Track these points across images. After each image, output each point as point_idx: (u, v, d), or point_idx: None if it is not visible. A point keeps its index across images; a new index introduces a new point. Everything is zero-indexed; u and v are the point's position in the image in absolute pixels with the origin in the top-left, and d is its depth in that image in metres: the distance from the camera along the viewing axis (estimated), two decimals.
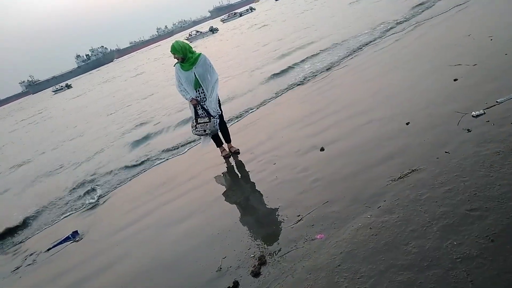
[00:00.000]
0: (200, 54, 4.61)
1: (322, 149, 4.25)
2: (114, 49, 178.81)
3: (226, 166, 4.98)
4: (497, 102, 3.68)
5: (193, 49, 4.67)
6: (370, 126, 4.36)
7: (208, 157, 5.45)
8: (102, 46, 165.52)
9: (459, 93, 4.28)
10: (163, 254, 3.47)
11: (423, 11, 10.16)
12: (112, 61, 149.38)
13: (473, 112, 3.64)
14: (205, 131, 4.75)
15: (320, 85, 7.08)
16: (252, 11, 65.90)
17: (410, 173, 3.12)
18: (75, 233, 4.68)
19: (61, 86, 74.15)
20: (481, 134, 3.27)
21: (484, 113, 3.58)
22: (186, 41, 5.06)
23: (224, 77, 11.69)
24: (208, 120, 4.71)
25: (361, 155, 3.79)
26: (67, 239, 4.64)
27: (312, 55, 10.10)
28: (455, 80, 4.64)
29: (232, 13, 75.16)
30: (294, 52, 11.74)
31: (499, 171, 2.71)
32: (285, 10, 36.80)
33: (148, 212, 4.52)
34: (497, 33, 5.73)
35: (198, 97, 4.69)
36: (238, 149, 5.21)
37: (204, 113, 4.74)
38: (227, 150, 5.25)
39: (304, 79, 8.01)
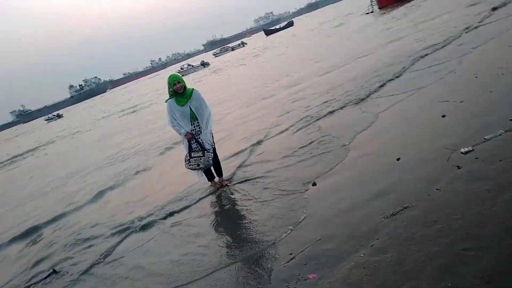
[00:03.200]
0: (193, 89, 4.75)
1: (314, 184, 4.23)
2: (108, 79, 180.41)
3: (216, 200, 4.91)
4: (485, 139, 3.75)
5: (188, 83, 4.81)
6: (362, 161, 4.39)
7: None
8: (96, 77, 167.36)
9: (448, 129, 4.36)
10: None
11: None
12: (105, 92, 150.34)
13: (462, 149, 3.69)
14: (198, 165, 4.76)
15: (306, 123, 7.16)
16: (243, 46, 67.64)
17: (402, 210, 3.11)
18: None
19: (53, 115, 75.11)
20: (471, 171, 3.30)
21: (473, 150, 3.63)
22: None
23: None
24: (202, 155, 4.74)
25: (353, 191, 3.78)
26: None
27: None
28: (443, 116, 4.73)
29: (224, 47, 77.03)
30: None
31: (491, 209, 2.71)
32: (271, 45, 37.84)
33: None
34: (481, 71, 5.92)
35: (193, 130, 4.76)
36: (229, 183, 5.19)
37: (198, 147, 4.78)
38: (218, 183, 5.22)
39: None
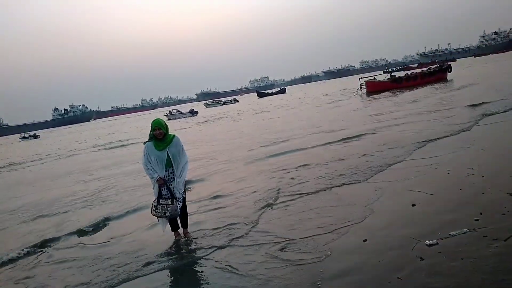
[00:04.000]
0: (174, 135, 4.79)
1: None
2: (94, 109, 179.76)
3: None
4: (449, 234, 3.83)
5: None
6: (328, 238, 4.34)
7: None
8: (83, 105, 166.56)
9: (416, 219, 4.44)
10: None
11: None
12: (89, 121, 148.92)
13: (427, 241, 3.74)
14: (165, 213, 4.65)
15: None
16: (235, 102, 69.56)
17: None
18: None
19: (29, 135, 72.16)
20: (433, 264, 3.32)
21: (437, 243, 3.69)
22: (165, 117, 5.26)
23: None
24: (170, 203, 4.65)
25: (315, 267, 3.70)
26: None
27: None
28: (413, 205, 4.85)
29: (216, 100, 78.98)
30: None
31: None
32: (258, 107, 39.12)
33: None
34: (454, 168, 6.17)
35: (166, 176, 4.71)
36: (191, 236, 5.03)
37: (168, 194, 4.70)
38: (182, 235, 5.05)
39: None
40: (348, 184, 6.38)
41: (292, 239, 4.42)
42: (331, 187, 6.32)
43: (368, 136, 10.70)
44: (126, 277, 4.18)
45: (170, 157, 4.65)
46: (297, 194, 6.23)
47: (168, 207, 4.63)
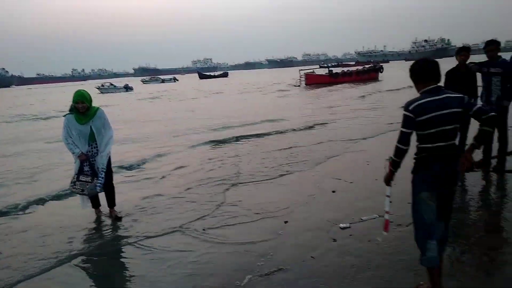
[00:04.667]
0: (98, 107, 4.54)
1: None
2: (17, 75, 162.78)
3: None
4: (361, 219, 4.17)
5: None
6: (253, 222, 4.47)
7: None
8: (3, 69, 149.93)
9: (335, 204, 4.76)
10: None
11: None
12: (8, 87, 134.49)
13: (341, 224, 4.05)
14: (82, 190, 4.43)
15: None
16: (175, 81, 67.64)
17: (277, 271, 3.23)
18: None
19: None
20: (343, 245, 3.61)
21: (350, 227, 4.00)
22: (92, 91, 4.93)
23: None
24: (90, 180, 4.42)
25: (240, 246, 3.80)
26: None
27: None
28: (333, 191, 5.18)
29: (154, 77, 76.16)
30: None
31: (350, 284, 2.95)
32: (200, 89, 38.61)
33: None
34: (374, 160, 6.66)
35: (89, 152, 4.48)
36: (121, 216, 4.75)
37: (89, 171, 4.46)
38: (111, 214, 4.77)
39: None
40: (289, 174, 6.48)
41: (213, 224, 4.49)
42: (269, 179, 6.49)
43: (314, 129, 11.07)
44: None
45: (94, 131, 4.40)
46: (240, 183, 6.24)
47: (87, 184, 4.40)
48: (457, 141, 2.62)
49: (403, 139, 2.53)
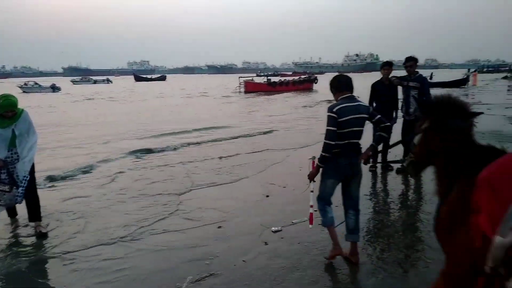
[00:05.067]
0: (23, 110, 4.12)
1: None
2: None
3: None
4: (292, 222, 4.30)
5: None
6: (184, 226, 4.39)
7: None
8: None
9: (268, 208, 4.85)
10: None
11: None
12: None
13: (273, 228, 4.14)
14: None
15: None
16: (108, 83, 64.45)
17: (208, 276, 3.19)
18: None
19: None
20: (274, 248, 3.69)
21: (281, 230, 4.11)
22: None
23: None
24: (8, 190, 3.93)
25: (170, 253, 3.70)
26: None
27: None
28: (267, 196, 5.28)
29: (86, 78, 72.00)
30: None
31: (279, 285, 3.02)
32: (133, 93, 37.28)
33: None
34: (305, 165, 6.86)
35: (8, 158, 4.01)
36: (46, 232, 4.19)
37: (7, 179, 3.99)
38: (35, 230, 4.20)
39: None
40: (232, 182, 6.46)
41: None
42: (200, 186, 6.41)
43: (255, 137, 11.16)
44: None
45: (16, 135, 3.98)
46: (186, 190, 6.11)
47: (4, 194, 3.92)
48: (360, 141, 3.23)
49: (331, 136, 3.03)
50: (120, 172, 6.84)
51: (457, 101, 1.87)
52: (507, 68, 62.11)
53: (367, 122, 3.18)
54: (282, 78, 38.90)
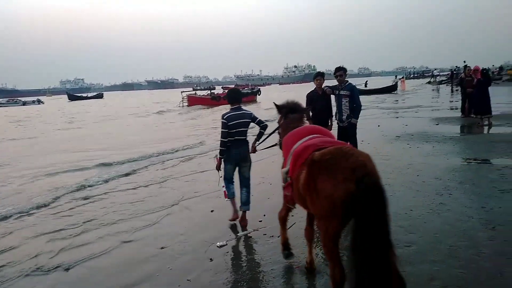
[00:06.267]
0: None
1: None
2: None
3: None
4: (237, 235, 4.27)
5: None
6: (124, 248, 4.19)
7: None
8: None
9: (212, 224, 4.78)
10: None
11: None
12: None
13: (218, 243, 4.07)
14: None
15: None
16: (39, 103, 60.20)
17: None
18: None
19: None
20: (220, 263, 3.64)
21: (227, 244, 4.06)
22: None
23: None
24: None
25: (109, 278, 3.50)
26: None
27: None
28: (211, 211, 5.20)
29: (13, 99, 66.64)
30: None
31: None
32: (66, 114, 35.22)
33: None
34: (268, 177, 6.80)
35: None
36: None
37: None
38: None
39: None
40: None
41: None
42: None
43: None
44: None
45: None
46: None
47: None
48: (248, 137, 4.57)
49: (223, 135, 4.37)
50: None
51: (294, 103, 3.63)
52: (430, 74, 67.82)
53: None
54: (226, 91, 39.03)
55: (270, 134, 4.19)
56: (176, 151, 10.60)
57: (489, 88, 12.07)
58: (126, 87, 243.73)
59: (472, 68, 12.92)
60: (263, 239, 4.15)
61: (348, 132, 6.31)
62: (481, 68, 13.30)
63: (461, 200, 4.81)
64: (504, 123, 10.77)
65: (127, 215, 5.32)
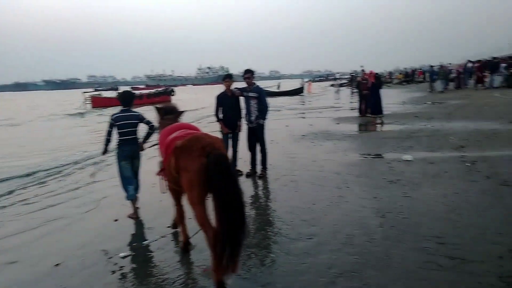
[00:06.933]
0: None
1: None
2: None
3: None
4: (143, 244, 4.06)
5: None
6: (9, 272, 3.70)
7: None
8: None
9: (116, 234, 4.45)
10: None
11: None
12: None
13: (121, 253, 3.83)
14: None
15: None
16: None
17: None
18: None
19: None
20: (124, 275, 3.42)
21: (131, 254, 3.83)
22: None
23: None
24: None
25: None
26: None
27: None
28: (115, 220, 4.86)
29: None
30: None
31: None
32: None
33: None
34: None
35: None
36: None
37: None
38: None
39: None
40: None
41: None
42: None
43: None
44: None
45: None
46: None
47: None
48: (138, 136, 4.94)
49: (107, 133, 4.78)
50: None
51: (170, 106, 4.30)
52: (333, 77, 73.58)
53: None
54: (137, 92, 37.09)
55: (151, 134, 4.90)
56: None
57: (381, 90, 13.51)
58: (19, 87, 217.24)
59: (367, 72, 14.41)
60: (170, 245, 4.01)
61: (257, 132, 6.48)
62: (374, 72, 14.89)
63: (357, 192, 5.27)
64: (393, 121, 12.11)
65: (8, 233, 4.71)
